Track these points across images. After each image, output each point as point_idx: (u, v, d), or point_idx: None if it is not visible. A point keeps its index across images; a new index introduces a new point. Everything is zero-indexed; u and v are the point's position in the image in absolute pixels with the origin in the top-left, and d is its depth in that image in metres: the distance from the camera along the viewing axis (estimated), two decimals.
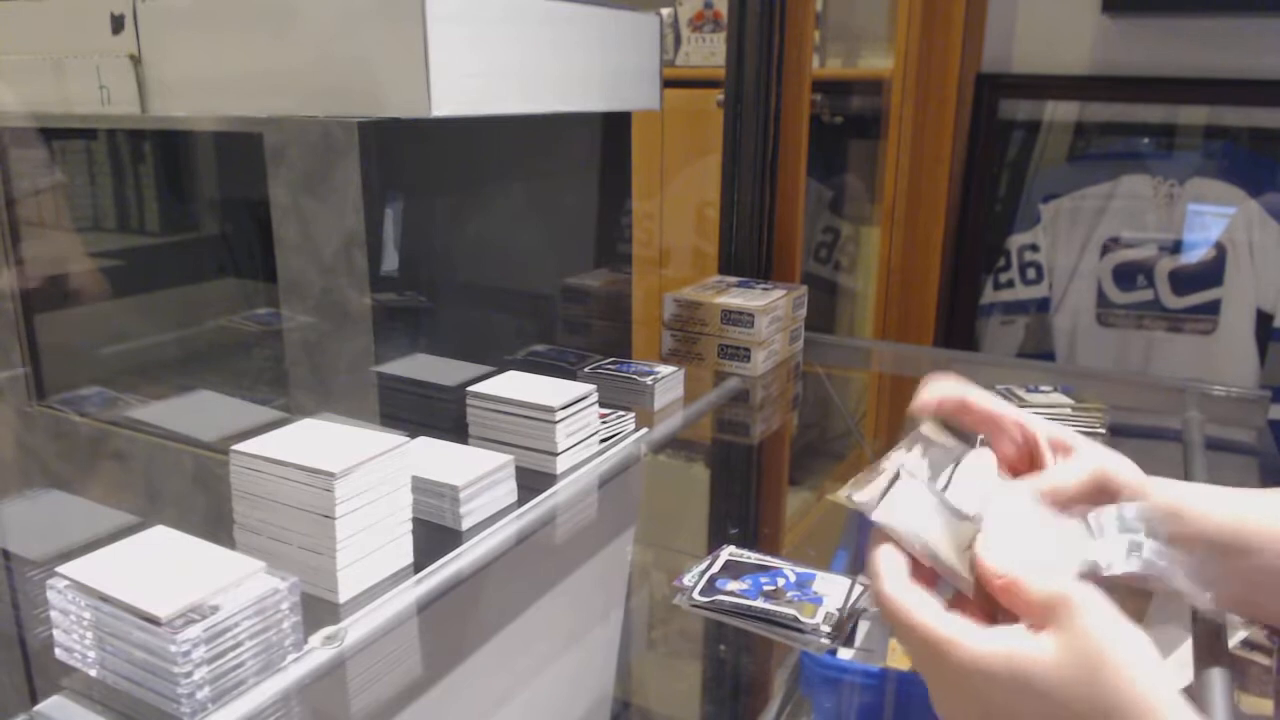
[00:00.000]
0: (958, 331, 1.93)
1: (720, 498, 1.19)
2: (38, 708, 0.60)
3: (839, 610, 0.74)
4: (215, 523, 0.78)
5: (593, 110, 1.01)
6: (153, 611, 0.56)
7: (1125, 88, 1.77)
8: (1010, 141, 1.88)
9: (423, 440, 0.86)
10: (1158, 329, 1.78)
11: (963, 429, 0.59)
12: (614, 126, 1.22)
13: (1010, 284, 1.87)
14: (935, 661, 0.46)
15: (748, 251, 1.50)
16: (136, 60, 0.85)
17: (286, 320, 0.91)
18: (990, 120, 1.86)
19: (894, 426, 1.48)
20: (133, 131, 1.05)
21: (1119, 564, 0.49)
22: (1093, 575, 0.49)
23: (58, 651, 0.61)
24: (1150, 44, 1.73)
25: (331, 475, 0.66)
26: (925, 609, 0.47)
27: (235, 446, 0.70)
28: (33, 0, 0.91)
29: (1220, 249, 1.72)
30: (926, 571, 0.51)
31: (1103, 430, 1.07)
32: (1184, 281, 1.75)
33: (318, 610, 0.67)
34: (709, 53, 2.12)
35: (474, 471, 0.81)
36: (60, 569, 0.60)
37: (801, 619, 0.73)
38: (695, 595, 0.76)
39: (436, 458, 0.83)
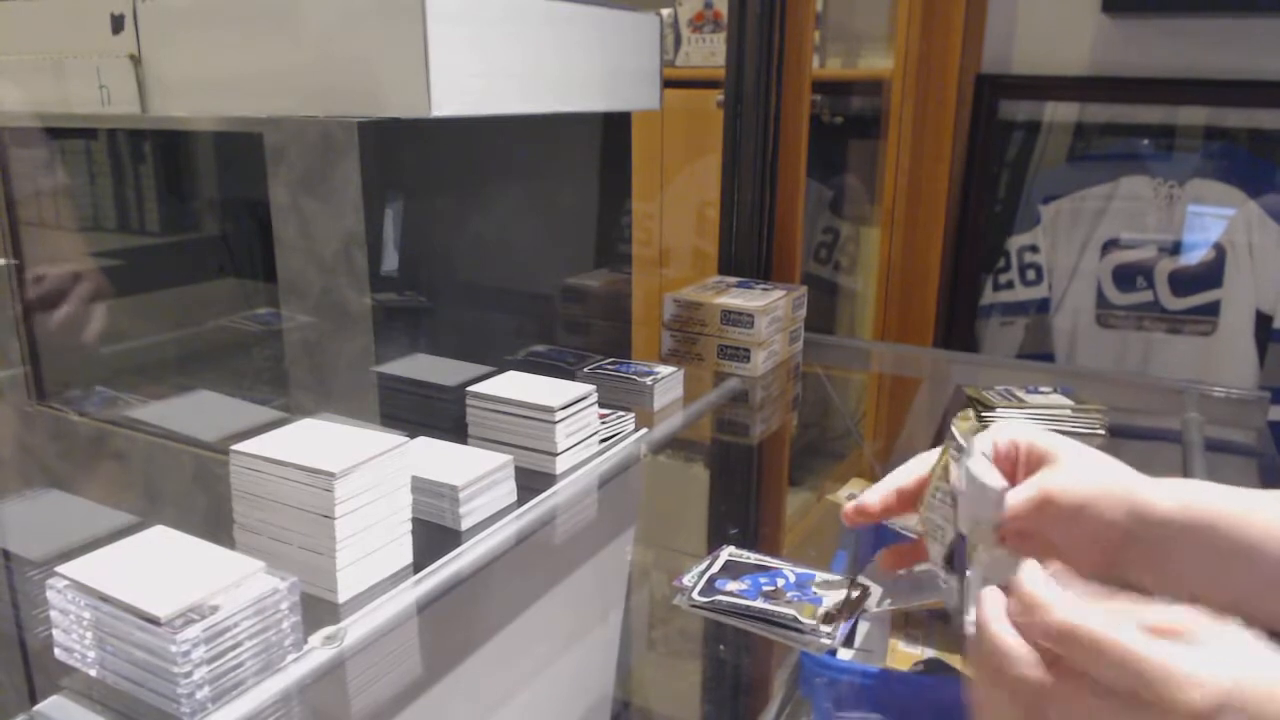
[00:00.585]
0: (957, 332, 1.93)
1: (720, 498, 1.19)
2: (38, 708, 0.60)
3: (838, 609, 0.74)
4: (215, 523, 0.78)
5: (593, 110, 1.01)
6: (152, 611, 0.56)
7: (1125, 88, 1.77)
8: (1010, 142, 1.88)
9: (423, 440, 0.86)
10: (1157, 330, 1.78)
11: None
12: (614, 126, 1.22)
13: (1010, 285, 1.87)
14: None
15: (748, 252, 1.50)
16: (136, 60, 0.85)
17: (286, 320, 0.91)
18: (990, 120, 1.86)
19: (894, 427, 1.49)
20: (133, 131, 1.05)
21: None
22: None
23: (57, 651, 0.61)
24: (1150, 44, 1.73)
25: (331, 475, 0.66)
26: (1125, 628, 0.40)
27: (235, 446, 0.70)
28: (33, 0, 0.91)
29: (1220, 250, 1.72)
30: None
31: (1102, 431, 1.07)
32: (1184, 283, 1.75)
33: (317, 610, 0.67)
34: (709, 53, 2.12)
35: (474, 471, 0.81)
36: (60, 569, 0.60)
37: (801, 619, 0.73)
38: (695, 595, 0.76)
39: (436, 458, 0.83)
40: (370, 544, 0.70)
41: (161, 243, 1.10)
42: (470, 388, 0.93)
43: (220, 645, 0.57)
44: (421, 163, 0.93)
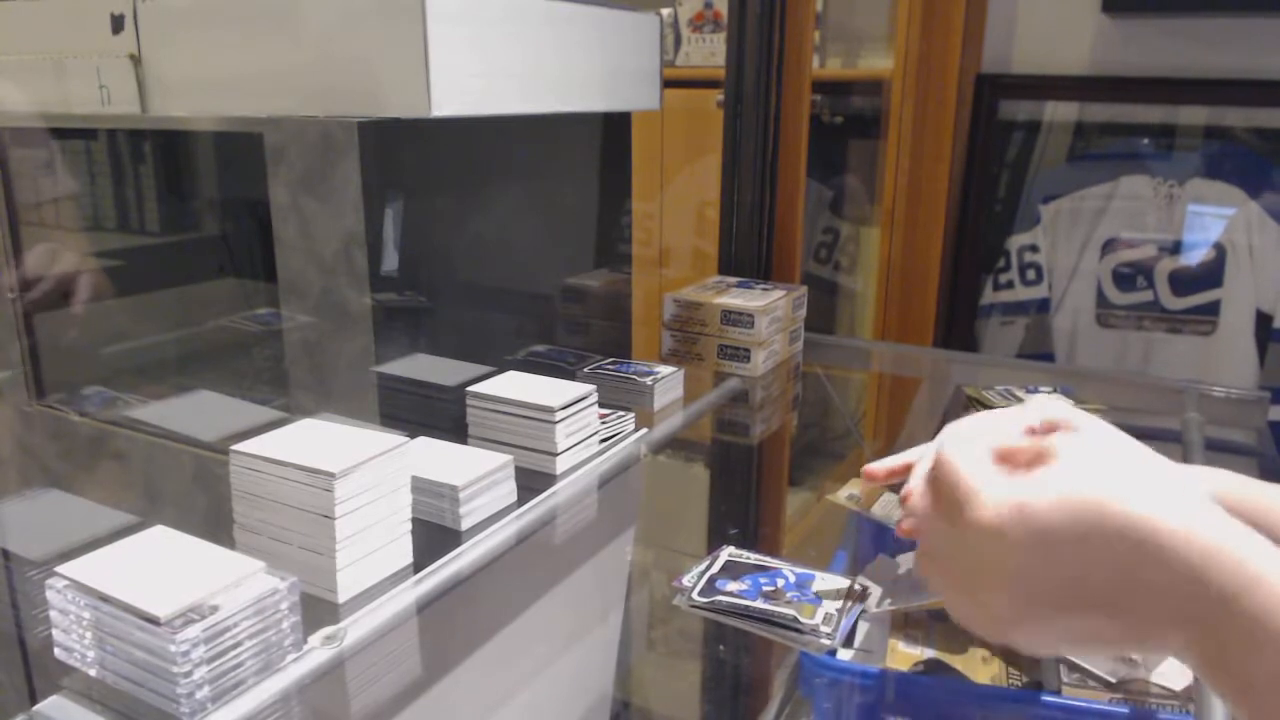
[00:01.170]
0: (957, 332, 1.93)
1: (720, 498, 1.19)
2: (37, 708, 0.60)
3: (839, 610, 0.74)
4: (215, 523, 0.78)
5: (593, 110, 1.01)
6: (152, 611, 0.56)
7: (1125, 88, 1.77)
8: (1010, 142, 1.88)
9: (423, 440, 0.86)
10: (1157, 330, 1.78)
11: None
12: (614, 126, 1.22)
13: (1010, 284, 1.87)
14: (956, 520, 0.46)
15: (748, 252, 1.50)
16: (136, 60, 0.85)
17: (286, 320, 0.91)
18: (990, 120, 1.86)
19: (894, 427, 1.49)
20: (133, 131, 1.05)
21: None
22: None
23: (57, 651, 0.61)
24: (1150, 44, 1.73)
25: (331, 475, 0.66)
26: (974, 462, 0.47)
27: (235, 446, 0.70)
28: (33, 0, 0.91)
29: (1220, 250, 1.72)
30: None
31: None
32: (1184, 282, 1.75)
33: (317, 610, 0.67)
34: (709, 53, 2.12)
35: (474, 471, 0.81)
36: (60, 569, 0.60)
37: (801, 619, 0.73)
38: (695, 595, 0.76)
39: (436, 458, 0.83)
40: (370, 544, 0.70)
41: (161, 243, 1.10)
42: (470, 388, 0.93)
43: (220, 645, 0.57)
44: (421, 163, 0.93)
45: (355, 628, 0.66)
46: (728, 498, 1.21)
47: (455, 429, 0.94)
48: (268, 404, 0.99)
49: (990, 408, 1.11)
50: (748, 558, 0.82)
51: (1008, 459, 0.47)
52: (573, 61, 0.94)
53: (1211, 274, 1.73)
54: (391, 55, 0.74)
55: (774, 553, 0.83)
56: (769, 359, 1.28)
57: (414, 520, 0.74)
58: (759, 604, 0.75)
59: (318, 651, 0.63)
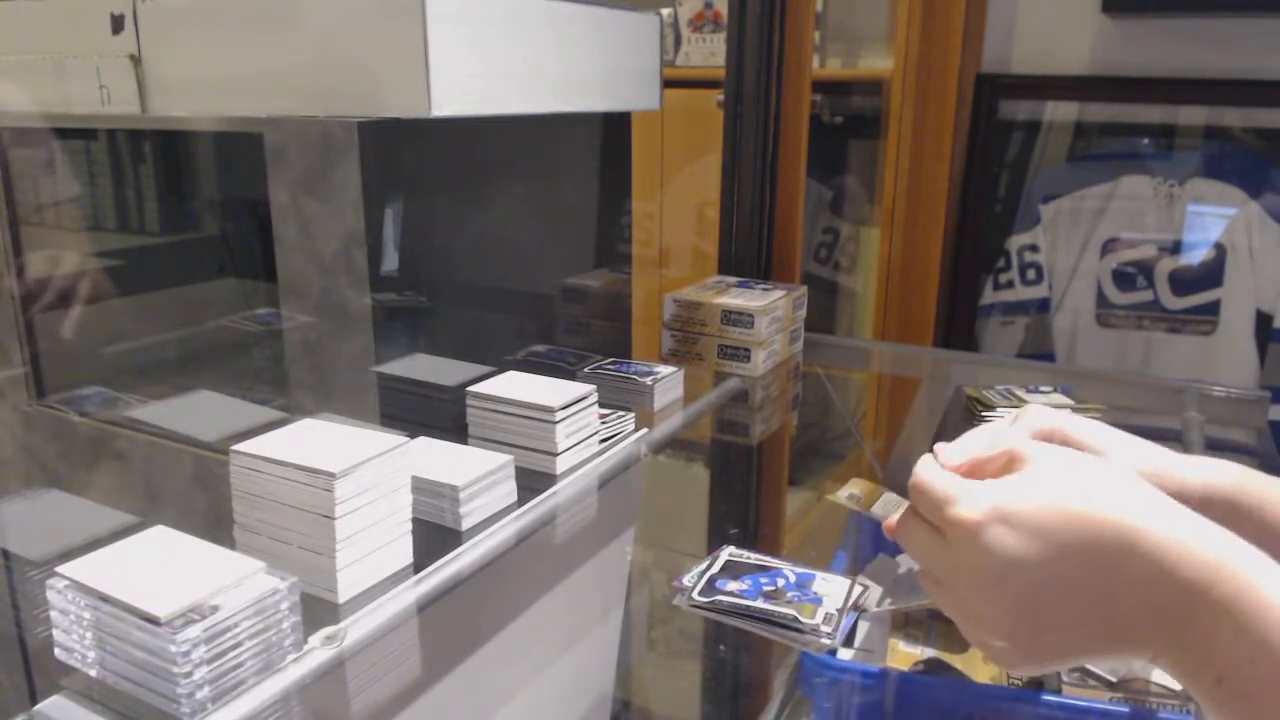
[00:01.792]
0: (958, 332, 1.93)
1: (720, 498, 1.19)
2: (38, 708, 0.60)
3: (839, 610, 0.74)
4: (215, 523, 0.78)
5: (593, 110, 1.01)
6: (152, 611, 0.56)
7: (1125, 88, 1.77)
8: (1010, 142, 1.87)
9: (423, 440, 0.86)
10: (1157, 329, 1.78)
11: None
12: (614, 126, 1.22)
13: (1010, 284, 1.87)
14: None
15: (748, 251, 1.50)
16: (136, 60, 0.85)
17: (286, 320, 0.91)
18: (990, 120, 1.86)
19: (894, 427, 1.49)
20: (133, 131, 1.05)
21: None
22: None
23: (58, 651, 0.61)
24: (1150, 44, 1.73)
25: (331, 475, 0.66)
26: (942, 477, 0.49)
27: (235, 446, 0.70)
28: (33, 0, 0.91)
29: (1220, 249, 1.72)
30: None
31: None
32: (1184, 282, 1.75)
33: (318, 610, 0.67)
34: (709, 53, 2.12)
35: (474, 471, 0.81)
36: (60, 569, 0.60)
37: (801, 619, 0.73)
38: (695, 595, 0.76)
39: (436, 458, 0.83)
40: (370, 544, 0.70)
41: (161, 242, 1.10)
42: (470, 388, 0.93)
43: (220, 645, 0.57)
44: (421, 163, 0.93)
45: (355, 628, 0.66)
46: (728, 498, 1.21)
47: (455, 429, 0.94)
48: (268, 404, 0.99)
49: (991, 407, 1.11)
50: (748, 557, 0.82)
51: (976, 471, 0.49)
52: (573, 61, 0.94)
53: (1211, 274, 1.73)
54: (391, 55, 0.74)
55: (774, 553, 0.83)
56: (769, 359, 1.28)
57: (414, 520, 0.74)
58: (759, 604, 0.75)
59: (318, 651, 0.63)
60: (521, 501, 0.85)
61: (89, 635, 0.59)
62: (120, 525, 0.97)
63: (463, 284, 1.02)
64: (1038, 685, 0.78)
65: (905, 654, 0.84)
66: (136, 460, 1.04)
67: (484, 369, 1.00)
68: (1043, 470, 0.46)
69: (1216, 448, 1.13)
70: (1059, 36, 1.80)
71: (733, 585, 0.77)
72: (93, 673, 0.60)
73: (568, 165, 1.17)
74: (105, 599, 0.58)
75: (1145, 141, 1.78)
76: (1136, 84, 1.75)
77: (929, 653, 0.84)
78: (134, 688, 0.58)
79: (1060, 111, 1.84)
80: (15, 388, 1.10)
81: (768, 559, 0.82)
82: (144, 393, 1.08)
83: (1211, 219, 1.73)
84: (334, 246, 0.86)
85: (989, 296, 1.90)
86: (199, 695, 0.57)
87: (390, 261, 0.88)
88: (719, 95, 1.49)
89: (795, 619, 0.73)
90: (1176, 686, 0.70)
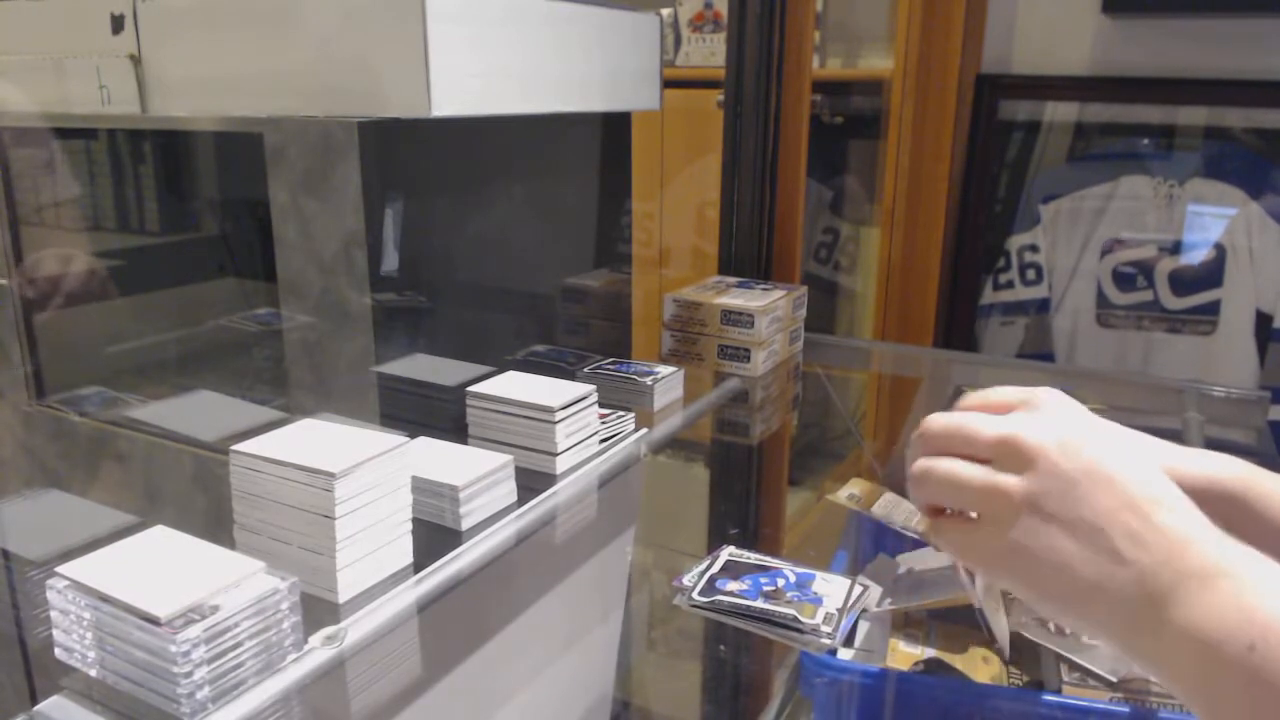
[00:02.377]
0: (957, 332, 1.93)
1: (720, 498, 1.19)
2: (38, 708, 0.60)
3: (839, 610, 0.74)
4: (215, 523, 0.78)
5: (593, 110, 1.01)
6: (153, 611, 0.56)
7: (1125, 88, 1.77)
8: (1010, 142, 1.88)
9: (423, 440, 0.86)
10: (1157, 330, 1.78)
11: None
12: (614, 126, 1.22)
13: (1010, 284, 1.87)
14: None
15: (748, 252, 1.50)
16: (136, 60, 0.85)
17: (286, 320, 0.91)
18: (990, 120, 1.86)
19: (894, 427, 1.49)
20: (133, 131, 1.05)
21: None
22: None
23: (58, 651, 0.61)
24: (1150, 44, 1.73)
25: (331, 475, 0.66)
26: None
27: (235, 446, 0.70)
28: (33, 0, 0.91)
29: (1220, 250, 1.72)
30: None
31: None
32: (1184, 282, 1.75)
33: (318, 610, 0.67)
34: (709, 53, 2.12)
35: (474, 471, 0.81)
36: (60, 569, 0.60)
37: (801, 619, 0.73)
38: (695, 595, 0.77)
39: (436, 458, 0.83)
40: (370, 544, 0.70)
41: (161, 242, 1.10)
42: (470, 388, 0.93)
43: (220, 645, 0.57)
44: (421, 163, 0.93)
45: (355, 628, 0.66)
46: (728, 498, 1.21)
47: (455, 429, 0.94)
48: (268, 404, 0.99)
49: None
50: (748, 557, 0.82)
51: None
52: (573, 61, 0.94)
53: (1211, 274, 1.73)
54: (391, 55, 0.74)
55: (774, 553, 0.83)
56: (769, 359, 1.28)
57: (414, 520, 0.74)
58: (759, 604, 0.75)
59: (318, 651, 0.63)
60: (521, 501, 0.85)
61: (89, 635, 0.59)
62: (120, 525, 0.97)
63: (463, 284, 1.02)
64: (1038, 685, 0.78)
65: (905, 654, 0.84)
66: (136, 460, 1.04)
67: (484, 369, 1.00)
68: (1048, 408, 0.50)
69: (1216, 448, 1.12)
70: (1059, 37, 1.80)
71: (733, 585, 0.77)
72: (93, 673, 0.60)
73: (568, 165, 1.18)
74: (105, 599, 0.58)
75: (1145, 142, 1.78)
76: (1136, 84, 1.75)
77: (929, 653, 0.84)
78: (134, 688, 0.58)
79: (1060, 112, 1.84)
80: (15, 388, 1.10)
81: (768, 559, 0.82)
82: (144, 393, 1.08)
83: (1211, 219, 1.73)
84: (334, 246, 0.86)
85: (989, 296, 1.90)
86: (199, 695, 0.57)
87: (390, 261, 0.88)
88: (719, 95, 1.49)
89: (795, 619, 0.73)
90: None
